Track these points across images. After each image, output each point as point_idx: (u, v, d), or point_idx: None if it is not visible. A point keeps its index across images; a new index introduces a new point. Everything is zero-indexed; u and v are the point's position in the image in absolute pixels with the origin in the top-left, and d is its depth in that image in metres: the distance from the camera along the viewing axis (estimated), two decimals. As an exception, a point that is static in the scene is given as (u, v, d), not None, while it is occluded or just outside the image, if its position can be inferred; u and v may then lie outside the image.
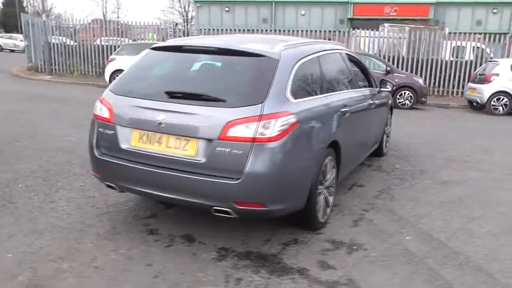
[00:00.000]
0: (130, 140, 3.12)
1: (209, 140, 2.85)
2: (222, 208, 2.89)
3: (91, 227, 3.41)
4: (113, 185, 3.26)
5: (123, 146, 3.14)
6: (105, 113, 3.23)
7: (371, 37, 16.47)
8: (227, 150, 2.80)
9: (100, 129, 3.26)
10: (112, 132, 3.18)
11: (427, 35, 15.85)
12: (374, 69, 11.87)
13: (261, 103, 2.85)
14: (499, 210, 4.15)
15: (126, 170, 3.12)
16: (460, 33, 18.11)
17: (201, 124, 2.89)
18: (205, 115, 2.89)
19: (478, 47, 15.35)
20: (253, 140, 2.78)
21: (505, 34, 17.90)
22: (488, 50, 15.23)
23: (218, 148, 2.82)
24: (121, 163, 3.14)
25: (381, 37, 16.53)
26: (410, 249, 3.24)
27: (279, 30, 18.83)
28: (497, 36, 15.97)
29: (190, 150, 2.92)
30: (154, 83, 3.34)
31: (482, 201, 4.43)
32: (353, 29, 17.25)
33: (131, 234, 3.31)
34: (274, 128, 2.80)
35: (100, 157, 3.25)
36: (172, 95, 3.03)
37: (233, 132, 2.79)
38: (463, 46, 15.83)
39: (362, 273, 2.86)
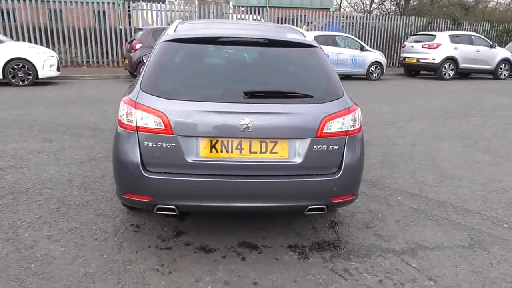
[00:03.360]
0: (198, 151, 2.64)
1: (305, 139, 2.70)
2: (319, 206, 2.82)
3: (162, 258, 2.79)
4: (171, 206, 2.71)
5: (190, 159, 2.63)
6: (154, 123, 2.60)
7: (157, 10, 16.41)
8: (325, 147, 2.73)
9: (148, 143, 2.62)
10: (172, 144, 2.61)
11: (215, 9, 17.01)
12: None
13: (343, 95, 2.85)
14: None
15: (195, 186, 2.65)
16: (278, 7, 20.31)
17: (293, 123, 2.69)
18: (297, 113, 2.70)
19: (255, 19, 17.48)
20: (346, 133, 2.79)
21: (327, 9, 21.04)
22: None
23: (316, 146, 2.71)
24: (187, 179, 2.64)
25: (168, 11, 16.65)
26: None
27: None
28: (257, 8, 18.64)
29: (280, 153, 2.70)
30: (214, 82, 2.82)
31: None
32: (132, 1, 16.75)
33: (188, 260, 2.84)
34: (358, 119, 2.87)
35: (153, 177, 2.64)
36: (253, 95, 2.68)
37: (328, 127, 2.73)
38: (246, 19, 17.66)
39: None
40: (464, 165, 5.20)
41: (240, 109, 2.63)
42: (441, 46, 15.06)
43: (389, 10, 32.16)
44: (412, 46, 15.89)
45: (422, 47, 15.38)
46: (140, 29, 12.47)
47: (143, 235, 3.15)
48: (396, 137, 6.58)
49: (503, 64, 16.12)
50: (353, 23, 18.65)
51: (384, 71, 14.92)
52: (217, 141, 2.65)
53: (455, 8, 22.21)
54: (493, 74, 16.18)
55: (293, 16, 18.92)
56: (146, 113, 2.62)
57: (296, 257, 2.94)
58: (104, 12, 15.81)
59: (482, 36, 16.92)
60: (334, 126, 2.75)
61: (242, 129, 2.60)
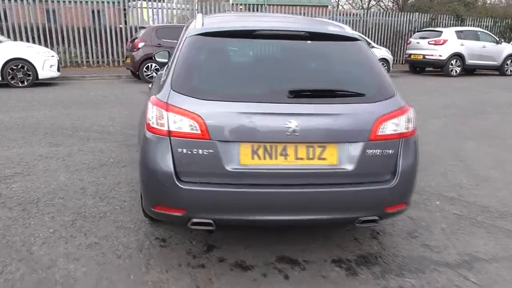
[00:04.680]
0: (238, 158, 2.34)
1: (357, 143, 2.41)
2: (371, 218, 2.52)
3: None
4: (208, 221, 2.41)
5: (229, 167, 2.33)
6: (189, 127, 2.30)
7: (155, 8, 16.04)
8: (379, 151, 2.44)
9: (183, 149, 2.32)
10: (209, 151, 2.31)
11: (215, 6, 16.68)
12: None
13: (395, 94, 2.56)
14: None
15: (236, 197, 2.35)
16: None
17: (344, 125, 2.39)
18: (348, 114, 2.41)
19: None
20: (401, 136, 2.50)
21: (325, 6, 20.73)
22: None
23: (369, 151, 2.42)
24: (227, 190, 2.34)
25: (168, 9, 16.33)
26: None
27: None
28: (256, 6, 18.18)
29: (330, 159, 2.40)
30: (253, 80, 2.51)
31: None
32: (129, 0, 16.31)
33: (225, 279, 2.54)
34: (413, 120, 2.58)
35: (188, 188, 2.34)
36: (299, 94, 2.38)
37: (383, 129, 2.43)
38: None
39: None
40: (497, 166, 4.92)
41: (286, 110, 2.33)
42: (447, 42, 14.79)
43: (387, 7, 31.94)
44: (417, 43, 15.61)
45: (428, 43, 15.10)
46: (142, 28, 12.14)
47: (170, 250, 2.85)
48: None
49: (510, 60, 15.88)
50: (356, 20, 18.35)
51: (391, 68, 14.64)
52: (260, 146, 2.35)
53: (458, 4, 21.94)
54: (499, 70, 15.93)
55: (292, 13, 18.59)
56: (180, 115, 2.32)
57: (343, 274, 2.65)
58: (101, 11, 15.50)
59: (488, 32, 16.67)
60: (389, 128, 2.45)
61: (288, 133, 2.30)
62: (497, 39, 15.92)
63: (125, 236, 3.02)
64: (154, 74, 11.41)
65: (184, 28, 4.05)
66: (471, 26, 19.13)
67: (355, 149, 2.41)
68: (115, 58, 15.21)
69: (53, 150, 5.04)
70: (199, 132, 2.30)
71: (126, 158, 4.77)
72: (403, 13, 19.61)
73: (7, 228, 3.09)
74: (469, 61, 15.09)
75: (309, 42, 2.68)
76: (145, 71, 11.40)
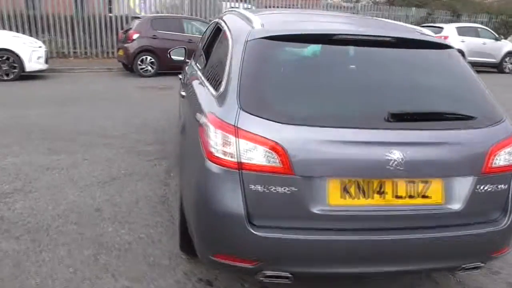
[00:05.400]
0: (324, 197, 1.87)
1: (466, 177, 1.96)
2: (474, 265, 2.09)
3: None
4: (285, 274, 1.93)
5: (315, 208, 1.85)
6: (266, 158, 1.81)
7: None
8: (491, 186, 2.00)
9: (257, 186, 1.83)
10: (291, 189, 1.83)
11: None
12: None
13: (504, 117, 2.12)
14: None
15: (323, 246, 1.88)
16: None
17: (451, 156, 1.94)
18: (458, 141, 1.96)
19: (246, 8, 16.60)
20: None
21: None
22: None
23: (480, 186, 1.98)
24: (312, 237, 1.87)
25: None
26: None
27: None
28: None
29: (434, 196, 1.95)
30: (341, 99, 2.02)
31: None
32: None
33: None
34: None
35: (263, 234, 1.85)
36: (401, 118, 1.91)
37: (496, 160, 1.99)
38: (238, 7, 16.73)
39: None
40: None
41: (387, 138, 1.87)
42: (448, 39, 14.49)
43: (377, 0, 31.54)
44: (417, 38, 15.29)
45: None
46: (137, 18, 11.42)
47: (220, 297, 2.37)
48: None
49: (508, 58, 15.72)
50: (353, 13, 17.93)
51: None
52: (352, 182, 1.88)
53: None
54: (497, 67, 15.75)
55: (283, 5, 17.99)
56: (254, 143, 1.83)
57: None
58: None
59: (488, 28, 16.47)
60: (502, 158, 2.01)
61: (390, 166, 1.84)
62: (497, 36, 15.74)
63: (160, 277, 2.53)
64: (149, 68, 10.77)
65: (214, 26, 3.52)
66: (466, 22, 18.92)
67: (464, 184, 1.96)
68: (104, 49, 14.42)
69: (54, 159, 4.45)
70: (279, 164, 1.82)
71: (139, 170, 4.23)
72: (400, 7, 19.27)
73: (17, 266, 2.56)
74: (470, 58, 14.81)
75: (392, 49, 2.21)
76: (139, 65, 10.74)
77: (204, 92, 2.45)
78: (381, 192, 1.91)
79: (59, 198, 3.52)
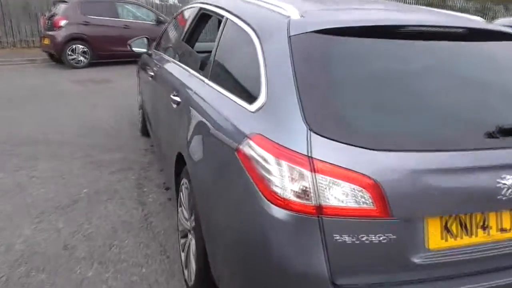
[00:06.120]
0: (422, 241, 1.44)
1: None
2: None
3: None
4: None
5: (416, 257, 1.42)
6: (354, 198, 1.34)
7: None
8: None
9: (344, 236, 1.35)
10: (388, 236, 1.38)
11: None
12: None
13: None
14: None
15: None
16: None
17: None
18: None
19: None
20: None
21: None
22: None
23: None
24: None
25: None
26: None
27: None
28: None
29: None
30: (434, 113, 1.52)
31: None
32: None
33: None
34: None
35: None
36: (508, 133, 1.51)
37: None
38: None
39: None
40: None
41: (497, 159, 1.47)
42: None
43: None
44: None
45: None
46: (63, 1, 10.13)
47: None
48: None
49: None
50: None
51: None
52: (453, 219, 1.48)
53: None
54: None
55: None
56: (337, 179, 1.34)
57: None
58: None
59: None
60: None
61: (503, 195, 1.45)
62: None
63: None
64: (82, 58, 9.65)
65: (196, 12, 2.91)
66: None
67: None
68: (23, 38, 12.78)
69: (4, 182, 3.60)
70: (372, 206, 1.35)
71: (105, 187, 3.54)
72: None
73: None
74: None
75: (462, 43, 1.81)
76: (70, 55, 9.57)
77: (225, 104, 1.89)
78: (484, 227, 1.52)
79: (11, 236, 2.77)
